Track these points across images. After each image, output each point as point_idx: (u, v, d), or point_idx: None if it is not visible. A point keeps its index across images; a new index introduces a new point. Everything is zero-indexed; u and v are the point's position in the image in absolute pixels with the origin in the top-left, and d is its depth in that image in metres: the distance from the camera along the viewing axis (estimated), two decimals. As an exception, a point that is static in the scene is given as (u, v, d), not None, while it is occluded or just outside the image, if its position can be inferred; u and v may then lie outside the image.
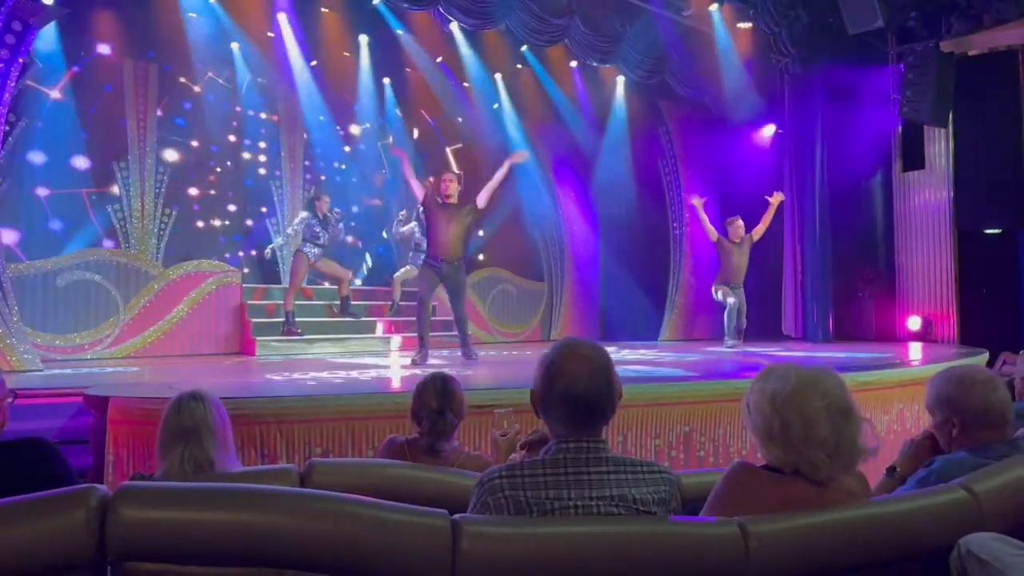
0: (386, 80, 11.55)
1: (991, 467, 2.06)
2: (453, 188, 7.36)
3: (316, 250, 9.20)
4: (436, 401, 2.97)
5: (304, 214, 9.39)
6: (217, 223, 10.29)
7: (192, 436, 2.51)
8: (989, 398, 2.27)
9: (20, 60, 6.81)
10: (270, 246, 9.62)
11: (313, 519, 1.60)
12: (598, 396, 1.81)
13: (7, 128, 7.04)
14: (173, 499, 1.61)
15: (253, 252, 10.44)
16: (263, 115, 10.64)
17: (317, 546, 1.58)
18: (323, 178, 11.28)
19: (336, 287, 9.85)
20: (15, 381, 5.69)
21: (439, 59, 11.65)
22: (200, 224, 10.13)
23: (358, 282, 11.19)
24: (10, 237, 8.26)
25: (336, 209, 9.63)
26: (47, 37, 8.43)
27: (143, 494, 1.61)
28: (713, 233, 9.68)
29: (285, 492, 1.74)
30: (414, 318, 10.25)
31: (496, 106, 12.25)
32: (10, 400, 2.73)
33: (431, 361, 7.33)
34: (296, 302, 9.29)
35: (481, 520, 1.72)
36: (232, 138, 10.40)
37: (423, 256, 8.05)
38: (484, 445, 4.37)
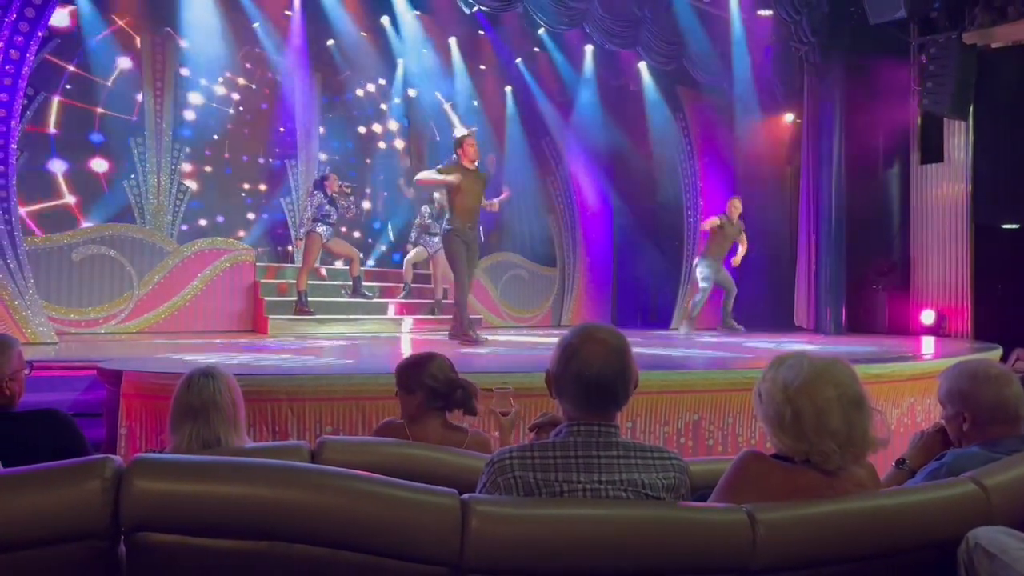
0: (400, 60, 11.53)
1: (1002, 461, 2.06)
2: (475, 152, 7.34)
3: (327, 229, 9.23)
4: (451, 373, 2.91)
5: (316, 194, 9.43)
6: (232, 201, 10.34)
7: (200, 414, 2.51)
8: (1002, 393, 2.26)
9: (39, 34, 6.83)
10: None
11: (324, 494, 1.61)
12: (612, 379, 1.82)
13: (26, 102, 7.08)
14: (187, 471, 1.63)
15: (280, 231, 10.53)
16: (277, 94, 10.66)
17: (327, 521, 1.59)
18: (337, 158, 11.32)
19: (348, 268, 9.90)
20: (30, 353, 5.74)
21: (452, 39, 11.63)
22: (215, 202, 10.18)
23: (371, 263, 11.24)
24: (26, 210, 8.33)
25: (344, 184, 9.63)
26: (66, 11, 8.48)
27: (157, 466, 1.63)
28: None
29: (297, 467, 1.75)
30: (427, 300, 10.38)
31: (509, 88, 12.21)
32: (26, 372, 2.76)
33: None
34: (309, 282, 9.34)
35: (490, 500, 1.73)
36: (248, 116, 10.42)
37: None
38: (486, 427, 4.41)
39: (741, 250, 9.92)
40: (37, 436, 2.52)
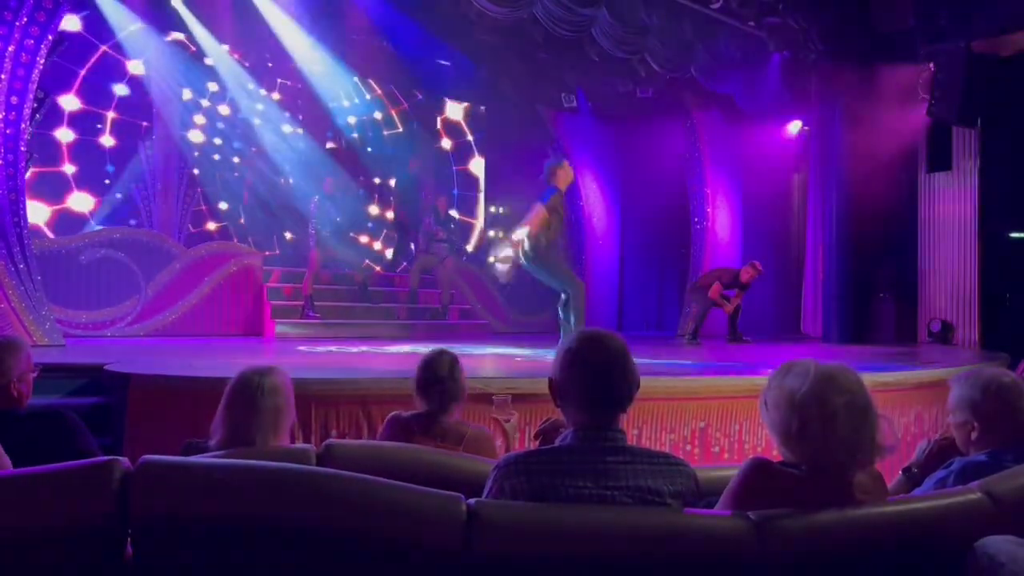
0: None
1: (1011, 470, 2.04)
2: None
3: (333, 233, 9.30)
4: (447, 369, 3.04)
5: (315, 198, 9.51)
6: (240, 204, 10.37)
7: (240, 410, 2.49)
8: (1013, 402, 2.25)
9: (49, 37, 6.87)
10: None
11: (330, 498, 1.61)
12: (616, 384, 1.82)
13: (35, 105, 7.12)
14: (194, 474, 1.63)
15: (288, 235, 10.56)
16: (289, 98, 10.70)
17: (333, 525, 1.59)
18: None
19: (352, 272, 9.95)
20: (37, 356, 5.75)
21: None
22: (223, 205, 10.21)
23: (377, 268, 11.25)
24: (35, 212, 8.38)
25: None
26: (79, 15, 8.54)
27: (164, 468, 1.63)
28: None
29: (303, 470, 1.75)
30: (434, 305, 10.39)
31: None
32: (34, 374, 2.77)
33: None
34: (314, 286, 9.38)
35: (496, 504, 1.73)
36: (257, 120, 10.46)
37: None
38: (500, 433, 4.42)
39: (735, 302, 9.89)
40: (44, 437, 2.53)
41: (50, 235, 8.60)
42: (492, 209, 12.55)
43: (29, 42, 6.68)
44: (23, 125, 6.78)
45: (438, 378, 3.02)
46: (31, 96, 6.84)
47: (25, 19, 6.62)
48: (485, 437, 3.07)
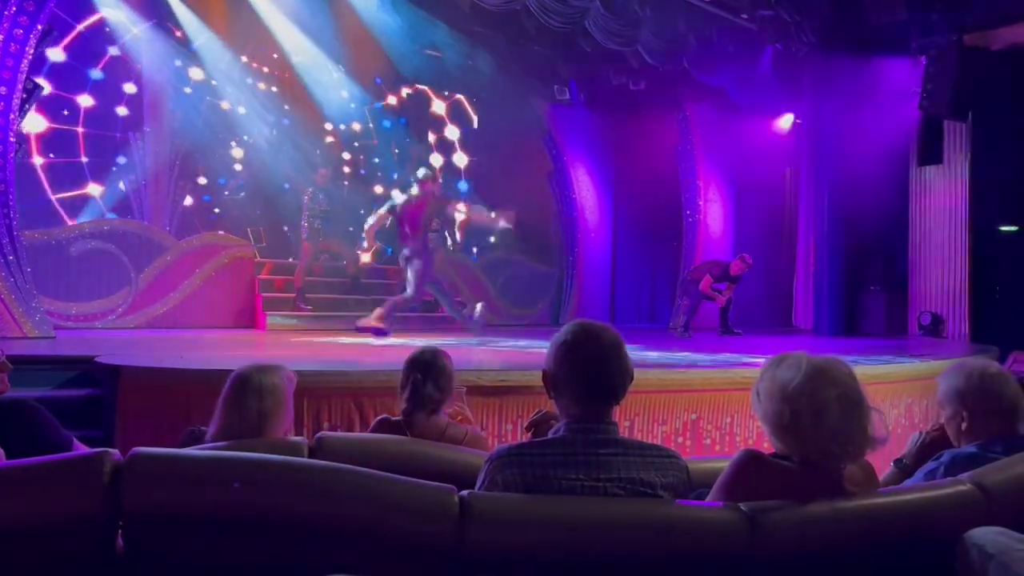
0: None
1: (1000, 461, 2.05)
2: None
3: (323, 225, 9.28)
4: (420, 372, 2.91)
5: (309, 190, 9.49)
6: (231, 196, 10.33)
7: (238, 407, 2.47)
8: (1000, 392, 2.26)
9: (39, 27, 6.82)
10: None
11: (323, 490, 1.61)
12: (610, 377, 1.82)
13: (25, 96, 7.06)
14: (185, 466, 1.63)
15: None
16: (275, 89, 10.66)
17: (325, 517, 1.59)
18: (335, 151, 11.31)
19: (344, 264, 9.93)
20: (27, 348, 5.75)
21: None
22: (214, 197, 10.17)
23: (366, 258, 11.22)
24: (30, 204, 8.34)
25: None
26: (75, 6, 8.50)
27: (155, 460, 1.62)
28: None
29: (295, 462, 1.75)
30: (427, 298, 10.37)
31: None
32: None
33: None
34: (306, 278, 9.36)
35: (489, 496, 1.73)
36: (244, 110, 10.40)
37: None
38: (492, 426, 4.43)
39: (727, 295, 9.96)
40: (8, 429, 2.47)
41: (68, 221, 8.60)
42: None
43: (18, 32, 6.63)
44: (12, 116, 6.73)
45: (412, 379, 2.90)
46: (20, 87, 6.79)
47: (14, 9, 6.57)
48: (482, 440, 2.97)
